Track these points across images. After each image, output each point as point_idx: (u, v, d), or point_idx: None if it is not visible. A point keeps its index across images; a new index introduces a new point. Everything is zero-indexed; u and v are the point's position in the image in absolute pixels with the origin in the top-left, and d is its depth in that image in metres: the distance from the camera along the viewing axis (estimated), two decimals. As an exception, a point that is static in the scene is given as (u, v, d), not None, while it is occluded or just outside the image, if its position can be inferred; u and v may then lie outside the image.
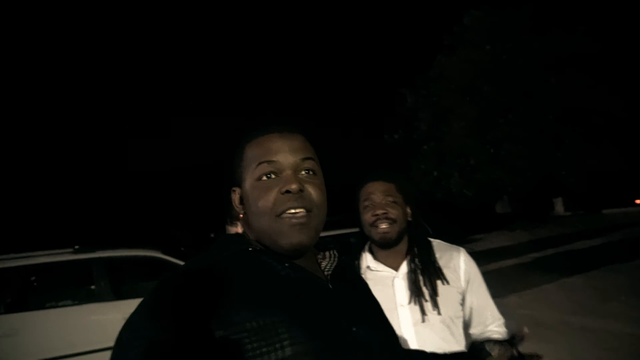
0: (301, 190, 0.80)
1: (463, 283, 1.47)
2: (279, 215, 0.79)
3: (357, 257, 1.60)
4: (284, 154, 0.83)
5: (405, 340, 1.40)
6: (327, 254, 0.94)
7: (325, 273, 0.88)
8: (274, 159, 0.82)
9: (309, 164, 0.85)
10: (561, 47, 15.70)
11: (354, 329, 0.78)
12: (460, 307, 1.45)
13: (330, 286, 0.84)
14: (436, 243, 1.55)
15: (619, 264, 8.26)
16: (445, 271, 1.46)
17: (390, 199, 1.47)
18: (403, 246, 1.51)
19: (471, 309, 1.48)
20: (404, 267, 1.49)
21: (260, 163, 0.82)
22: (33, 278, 4.79)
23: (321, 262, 0.91)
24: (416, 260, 1.47)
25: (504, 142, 16.52)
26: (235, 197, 0.89)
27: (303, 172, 0.84)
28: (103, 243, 5.44)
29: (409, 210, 1.52)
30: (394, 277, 1.49)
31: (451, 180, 17.75)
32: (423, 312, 1.40)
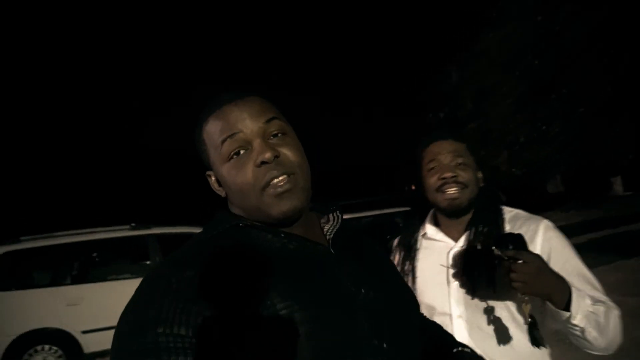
0: (277, 157, 0.75)
1: None
2: (263, 189, 0.75)
3: (417, 226, 1.44)
4: (245, 121, 0.76)
5: (454, 319, 1.26)
6: (330, 216, 0.90)
7: (327, 237, 0.83)
8: (236, 130, 0.76)
9: (275, 125, 0.78)
10: (615, 19, 14.59)
11: (362, 290, 0.76)
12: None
13: (332, 250, 0.80)
14: (513, 213, 1.32)
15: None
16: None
17: (460, 160, 1.27)
18: (470, 215, 1.32)
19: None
20: (464, 238, 1.30)
21: (224, 140, 0.76)
22: (95, 253, 5.13)
23: (324, 225, 0.87)
24: (480, 229, 1.26)
25: (556, 119, 15.72)
26: (212, 181, 0.84)
27: (272, 137, 0.78)
28: (157, 220, 5.73)
29: (480, 175, 1.33)
30: (450, 248, 1.31)
31: (499, 159, 17.15)
32: (474, 290, 1.22)
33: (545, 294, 1.07)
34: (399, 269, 1.37)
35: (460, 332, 1.23)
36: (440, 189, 1.27)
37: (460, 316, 1.25)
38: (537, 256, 1.08)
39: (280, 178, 0.75)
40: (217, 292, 0.67)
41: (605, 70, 14.93)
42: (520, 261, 1.04)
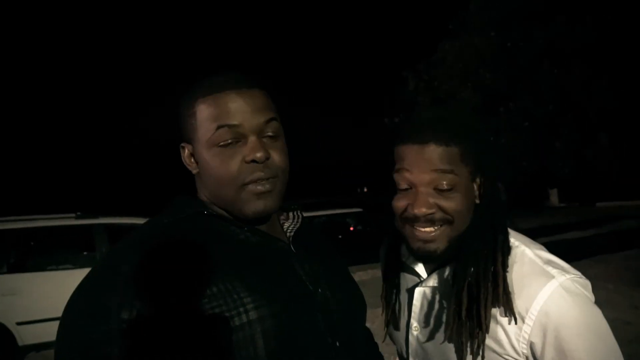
0: (267, 158, 0.75)
1: (524, 346, 0.78)
2: (244, 185, 0.75)
3: (394, 243, 1.03)
4: (246, 115, 0.74)
5: None
6: (290, 214, 0.90)
7: (288, 235, 0.84)
8: (236, 122, 0.74)
9: (272, 127, 0.77)
10: (565, 38, 15.66)
11: (320, 290, 0.77)
12: None
13: (293, 248, 0.81)
14: (519, 249, 0.86)
15: (608, 254, 8.45)
16: (498, 313, 0.80)
17: (445, 180, 0.81)
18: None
19: None
20: (436, 274, 0.91)
21: (220, 127, 0.74)
22: (33, 241, 4.88)
23: (284, 223, 0.87)
24: (463, 267, 0.84)
25: (503, 130, 16.57)
26: (186, 154, 0.81)
27: (267, 136, 0.77)
28: (104, 210, 5.53)
29: (478, 182, 0.87)
30: (418, 283, 0.94)
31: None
32: (434, 346, 0.88)
33: None
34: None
35: None
36: (409, 221, 0.86)
37: None
38: None
39: (263, 180, 0.75)
40: (182, 280, 0.66)
41: (551, 87, 15.94)
42: None
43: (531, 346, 0.78)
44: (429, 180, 0.82)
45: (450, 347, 0.84)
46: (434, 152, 0.81)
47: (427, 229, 0.84)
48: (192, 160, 0.80)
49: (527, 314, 0.77)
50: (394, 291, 1.00)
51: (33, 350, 4.59)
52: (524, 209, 18.10)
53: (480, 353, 0.80)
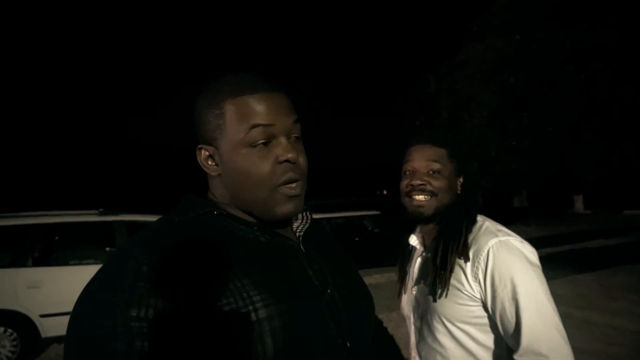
0: (296, 160, 0.76)
1: (476, 285, 1.12)
2: (278, 186, 0.75)
3: (407, 232, 1.42)
4: (278, 116, 0.75)
5: (411, 325, 1.32)
6: (299, 215, 0.89)
7: (297, 235, 0.84)
8: (272, 122, 0.74)
9: (298, 128, 0.78)
10: (590, 40, 15.25)
11: (329, 291, 0.78)
12: (469, 316, 1.14)
13: (303, 248, 0.81)
14: (479, 224, 1.22)
15: (631, 264, 8.20)
16: (463, 263, 1.15)
17: (435, 166, 1.24)
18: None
19: (501, 327, 1.09)
20: (431, 245, 1.29)
21: (254, 126, 0.73)
22: (57, 236, 5.01)
23: (293, 223, 0.87)
24: (445, 238, 1.21)
25: (526, 135, 16.28)
26: (204, 156, 0.79)
27: (293, 138, 0.77)
28: (126, 207, 5.65)
29: (460, 181, 1.30)
30: (419, 254, 1.34)
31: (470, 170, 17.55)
32: (423, 300, 1.24)
33: None
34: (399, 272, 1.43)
35: (413, 339, 1.31)
36: (408, 195, 1.27)
37: (414, 324, 1.30)
38: None
39: (296, 181, 0.76)
40: (191, 279, 0.65)
41: (575, 91, 15.58)
42: None
43: (479, 282, 1.12)
44: (425, 165, 1.25)
45: (432, 294, 1.18)
46: (429, 149, 1.26)
47: (420, 197, 1.24)
48: (211, 162, 0.79)
49: (477, 258, 1.13)
50: (404, 268, 1.40)
51: (55, 342, 4.71)
52: (548, 216, 17.71)
53: (446, 289, 1.15)
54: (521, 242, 1.14)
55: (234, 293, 0.67)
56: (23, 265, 4.53)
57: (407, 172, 1.28)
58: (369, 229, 10.25)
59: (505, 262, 1.09)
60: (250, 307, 0.67)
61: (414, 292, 1.30)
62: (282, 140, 0.75)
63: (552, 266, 8.45)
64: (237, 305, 0.66)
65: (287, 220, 0.82)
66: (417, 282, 1.30)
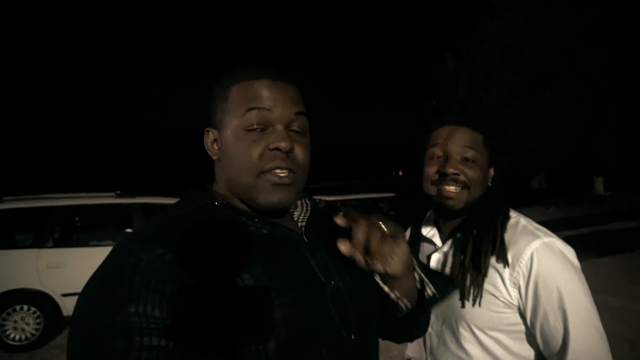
0: (290, 150, 0.74)
1: (514, 291, 1.00)
2: (262, 172, 0.74)
3: (419, 220, 1.27)
4: (278, 104, 0.75)
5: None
6: (299, 203, 0.88)
7: (299, 225, 0.83)
8: (267, 107, 0.74)
9: (301, 120, 0.78)
10: (617, 12, 14.58)
11: (332, 282, 0.77)
12: (503, 323, 1.02)
13: (305, 238, 0.80)
14: (519, 223, 1.07)
15: (653, 247, 8.04)
16: (500, 266, 1.01)
17: (470, 154, 1.07)
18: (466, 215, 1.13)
19: (540, 337, 0.99)
20: (450, 241, 1.13)
21: (250, 109, 0.74)
22: (77, 217, 5.11)
23: (293, 212, 0.86)
24: (473, 234, 1.07)
25: (545, 112, 15.85)
26: (210, 139, 0.80)
27: (293, 129, 0.77)
28: (143, 190, 5.71)
29: (491, 172, 1.13)
30: (434, 251, 1.17)
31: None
32: (448, 307, 1.09)
33: None
34: None
35: (429, 343, 1.17)
36: (436, 183, 1.09)
37: (431, 326, 1.13)
38: None
39: (283, 170, 0.74)
40: (191, 272, 0.65)
41: (600, 65, 15.01)
42: None
43: (518, 288, 0.99)
44: (459, 151, 1.07)
45: (456, 296, 1.05)
46: (466, 132, 1.08)
47: (451, 188, 1.06)
48: (215, 146, 0.80)
49: (517, 262, 1.00)
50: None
51: (77, 320, 4.85)
52: (567, 197, 17.39)
53: (480, 295, 1.01)
54: (563, 243, 1.02)
55: (240, 285, 0.66)
56: (44, 246, 4.64)
57: (437, 157, 1.09)
58: (384, 211, 10.22)
59: (549, 269, 0.97)
60: (261, 295, 0.66)
61: None
62: (279, 127, 0.75)
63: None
64: (248, 295, 0.66)
65: (284, 210, 0.80)
66: None
